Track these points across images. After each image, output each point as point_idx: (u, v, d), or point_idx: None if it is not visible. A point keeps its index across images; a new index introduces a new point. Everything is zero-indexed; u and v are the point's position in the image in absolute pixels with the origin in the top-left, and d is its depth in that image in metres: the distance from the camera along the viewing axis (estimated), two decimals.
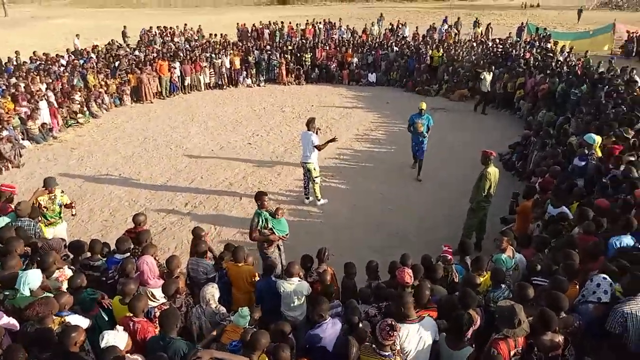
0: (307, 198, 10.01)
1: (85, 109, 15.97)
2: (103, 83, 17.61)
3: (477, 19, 27.93)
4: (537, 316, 4.04)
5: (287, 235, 7.12)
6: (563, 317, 4.20)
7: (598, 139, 8.41)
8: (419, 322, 4.17)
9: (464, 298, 4.41)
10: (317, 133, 9.58)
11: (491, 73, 16.19)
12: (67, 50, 20.75)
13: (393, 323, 3.81)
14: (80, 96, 16.05)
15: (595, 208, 6.27)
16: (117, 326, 4.16)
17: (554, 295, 4.23)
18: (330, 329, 4.38)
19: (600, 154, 8.28)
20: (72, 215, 8.10)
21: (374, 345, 3.86)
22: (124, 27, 25.83)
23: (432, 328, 4.21)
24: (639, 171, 7.08)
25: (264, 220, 6.78)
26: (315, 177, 9.68)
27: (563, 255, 5.11)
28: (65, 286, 5.08)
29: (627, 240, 5.52)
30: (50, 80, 16.00)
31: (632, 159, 7.63)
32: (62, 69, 17.69)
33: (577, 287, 4.81)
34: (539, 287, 4.87)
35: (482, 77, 15.79)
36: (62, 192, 7.81)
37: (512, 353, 3.90)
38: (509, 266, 5.72)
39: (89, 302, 4.89)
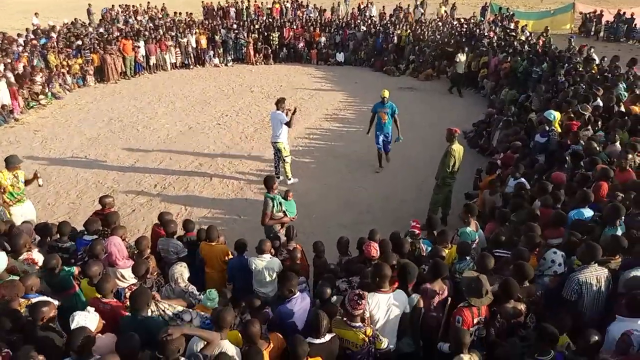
0: (278, 177, 10.06)
1: (46, 90, 15.44)
2: (65, 63, 17.01)
3: None
4: (501, 285, 4.26)
5: (296, 216, 7.21)
6: (526, 286, 4.41)
7: (558, 115, 8.71)
8: (391, 292, 4.33)
9: (435, 268, 4.59)
10: (286, 114, 9.57)
11: (465, 54, 16.38)
12: (27, 29, 19.86)
13: (361, 292, 3.95)
14: (42, 77, 15.49)
15: (552, 181, 6.56)
16: (88, 307, 4.16)
17: (520, 264, 4.43)
18: (299, 304, 4.48)
19: (559, 130, 8.59)
20: (39, 185, 7.91)
21: (344, 318, 3.99)
22: (89, 5, 24.77)
23: (403, 301, 4.36)
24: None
25: (278, 204, 6.81)
26: (285, 157, 9.73)
27: (526, 228, 5.33)
28: (34, 269, 5.03)
29: (587, 212, 5.74)
30: (9, 61, 15.35)
31: (588, 133, 7.97)
32: (20, 48, 16.97)
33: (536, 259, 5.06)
34: (502, 258, 5.10)
35: (457, 60, 16.00)
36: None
37: (475, 321, 4.12)
38: (473, 238, 5.94)
39: (67, 280, 4.88)
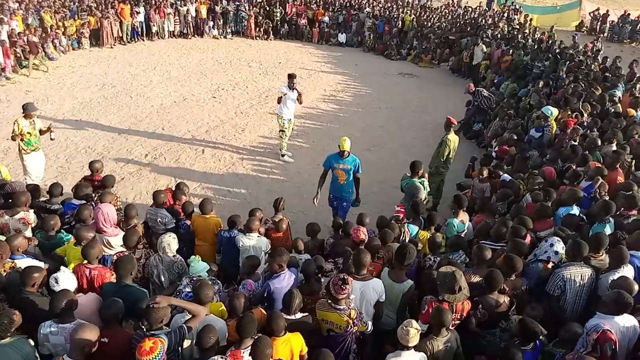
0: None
1: (40, 50, 15.09)
2: (61, 24, 16.62)
3: None
4: (486, 276, 4.28)
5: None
6: (512, 279, 4.42)
7: (555, 111, 8.70)
8: (366, 281, 4.33)
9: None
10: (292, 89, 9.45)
11: (479, 45, 16.12)
12: None
13: (345, 277, 3.95)
14: (36, 36, 15.13)
15: (541, 175, 6.59)
16: (62, 267, 4.11)
17: (510, 257, 4.43)
18: (287, 280, 4.51)
19: (555, 127, 8.59)
20: (52, 139, 8.04)
21: (329, 301, 4.00)
22: None
23: (378, 290, 4.36)
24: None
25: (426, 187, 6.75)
26: (280, 131, 9.79)
27: (518, 221, 5.31)
28: (28, 230, 4.98)
29: (574, 210, 5.77)
30: (3, 17, 14.95)
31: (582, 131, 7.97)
32: (16, 5, 16.54)
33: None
34: (494, 250, 5.10)
35: (474, 51, 15.80)
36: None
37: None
38: (460, 230, 5.97)
39: (62, 244, 4.87)
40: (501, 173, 7.24)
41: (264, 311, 4.05)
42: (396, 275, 4.51)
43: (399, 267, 4.51)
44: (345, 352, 4.07)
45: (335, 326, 3.99)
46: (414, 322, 3.63)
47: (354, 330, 4.02)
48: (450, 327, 3.90)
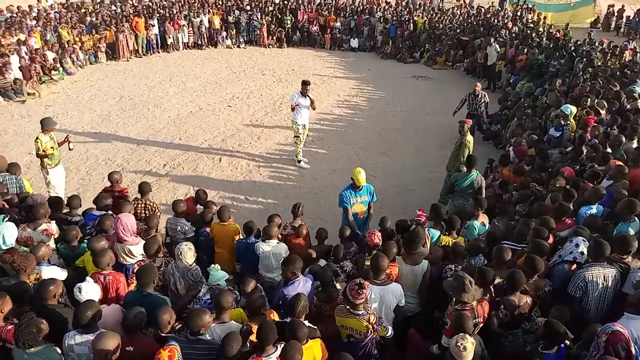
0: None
1: (58, 65, 15.44)
2: (78, 39, 16.99)
3: None
4: (507, 277, 4.22)
5: None
6: (535, 279, 4.36)
7: (574, 109, 8.58)
8: (385, 285, 4.32)
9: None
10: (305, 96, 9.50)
11: (493, 46, 15.91)
12: (38, 1, 19.79)
13: (361, 281, 3.92)
14: (54, 52, 15.48)
15: (561, 174, 6.50)
16: (88, 277, 4.17)
17: (531, 258, 4.37)
18: (302, 287, 4.48)
19: (574, 125, 8.46)
20: (70, 149, 8.13)
21: (347, 307, 3.98)
22: None
23: (397, 294, 4.35)
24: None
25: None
26: (295, 137, 9.83)
27: (540, 222, 5.23)
28: (51, 241, 5.07)
29: (596, 209, 5.68)
30: (23, 35, 15.34)
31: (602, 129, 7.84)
32: (34, 22, 16.95)
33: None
34: (515, 251, 5.04)
35: (488, 51, 15.66)
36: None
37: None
38: (480, 232, 5.89)
39: (84, 254, 4.95)
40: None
41: (275, 315, 4.06)
42: (411, 259, 4.66)
43: (409, 251, 4.61)
44: (366, 357, 4.05)
45: (355, 332, 3.97)
46: (467, 336, 3.47)
47: (374, 335, 4.00)
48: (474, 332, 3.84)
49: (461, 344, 3.39)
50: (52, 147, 7.37)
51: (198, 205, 6.66)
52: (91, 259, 4.80)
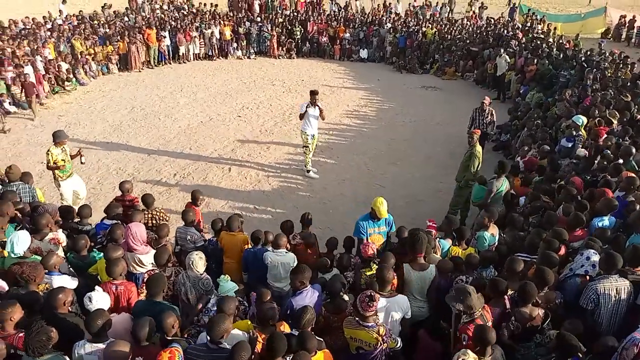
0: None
1: (72, 75, 15.67)
2: (91, 50, 17.24)
3: None
4: (518, 289, 4.17)
5: None
6: (546, 292, 4.31)
7: (585, 120, 8.53)
8: (391, 297, 4.32)
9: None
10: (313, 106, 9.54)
11: (502, 57, 15.87)
12: (49, 12, 20.06)
13: (372, 294, 3.91)
14: (67, 62, 15.73)
15: (571, 184, 6.45)
16: (97, 287, 4.19)
17: (541, 269, 4.33)
18: (309, 297, 4.47)
19: (585, 135, 8.41)
20: (82, 163, 8.13)
21: (357, 318, 3.96)
22: None
23: (404, 306, 4.34)
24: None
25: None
26: (304, 147, 9.85)
27: (552, 233, 5.18)
28: (60, 250, 5.11)
29: (608, 220, 5.61)
30: (37, 46, 15.61)
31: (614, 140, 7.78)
32: (47, 33, 17.24)
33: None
34: (526, 262, 4.99)
35: (498, 61, 15.65)
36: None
37: None
38: (490, 243, 5.85)
39: (94, 263, 4.99)
40: None
41: (286, 326, 4.04)
42: (418, 265, 4.67)
43: (414, 255, 4.60)
44: None
45: (364, 344, 3.95)
46: (469, 351, 3.46)
47: (384, 347, 3.97)
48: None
49: (463, 359, 3.40)
50: (63, 160, 7.42)
51: (196, 207, 6.64)
52: (104, 268, 4.85)
